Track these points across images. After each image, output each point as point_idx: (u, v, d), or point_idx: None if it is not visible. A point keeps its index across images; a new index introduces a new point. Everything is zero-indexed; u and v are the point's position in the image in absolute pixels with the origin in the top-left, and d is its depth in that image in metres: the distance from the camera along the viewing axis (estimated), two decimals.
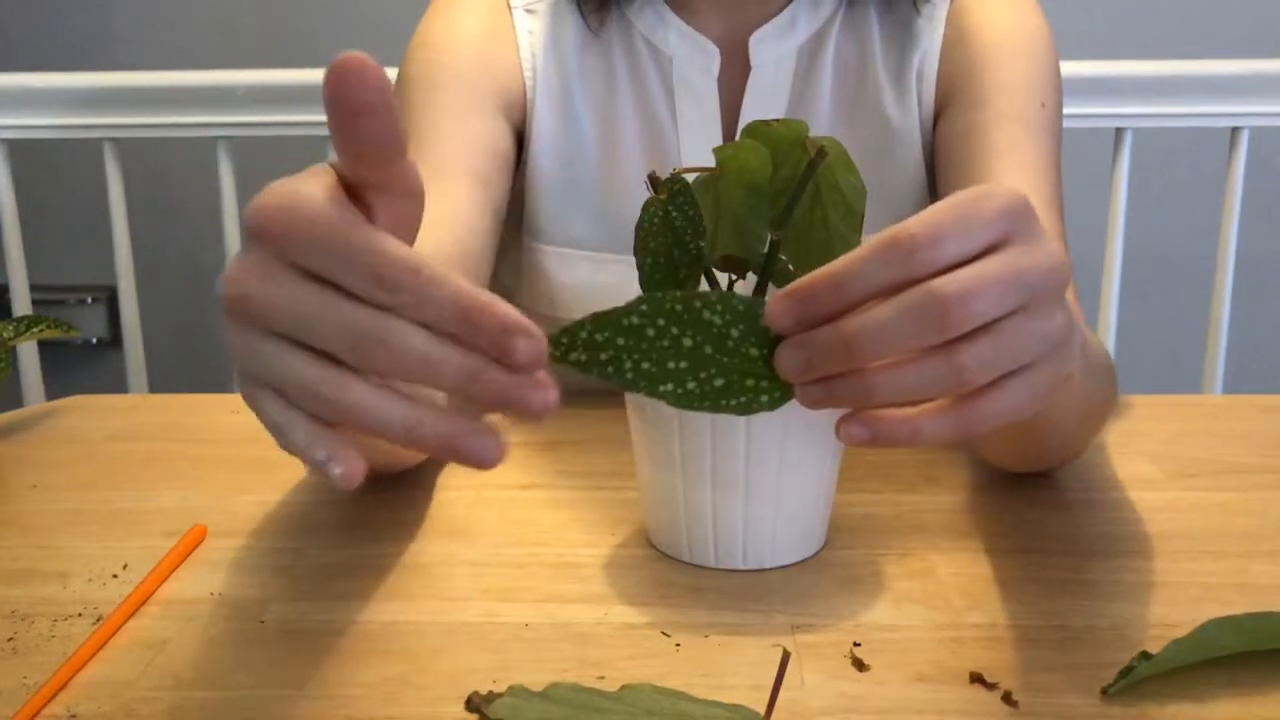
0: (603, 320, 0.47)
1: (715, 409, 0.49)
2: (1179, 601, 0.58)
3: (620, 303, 0.47)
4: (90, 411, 0.86)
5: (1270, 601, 0.58)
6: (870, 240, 0.45)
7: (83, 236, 1.74)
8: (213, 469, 0.75)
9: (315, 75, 1.32)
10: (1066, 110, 0.89)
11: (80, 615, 0.57)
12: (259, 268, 0.41)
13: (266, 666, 0.53)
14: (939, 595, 0.59)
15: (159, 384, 1.53)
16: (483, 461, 0.41)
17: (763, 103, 0.87)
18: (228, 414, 0.85)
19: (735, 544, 0.61)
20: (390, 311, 0.40)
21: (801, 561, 0.62)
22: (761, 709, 0.47)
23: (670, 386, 0.48)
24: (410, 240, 0.45)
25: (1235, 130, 1.32)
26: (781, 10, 0.87)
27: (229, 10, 1.79)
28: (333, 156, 1.35)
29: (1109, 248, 1.34)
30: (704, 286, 0.61)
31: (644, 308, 0.47)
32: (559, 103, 0.88)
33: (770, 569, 0.61)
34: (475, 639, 0.55)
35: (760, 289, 0.60)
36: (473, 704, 0.49)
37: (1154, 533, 0.66)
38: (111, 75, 1.34)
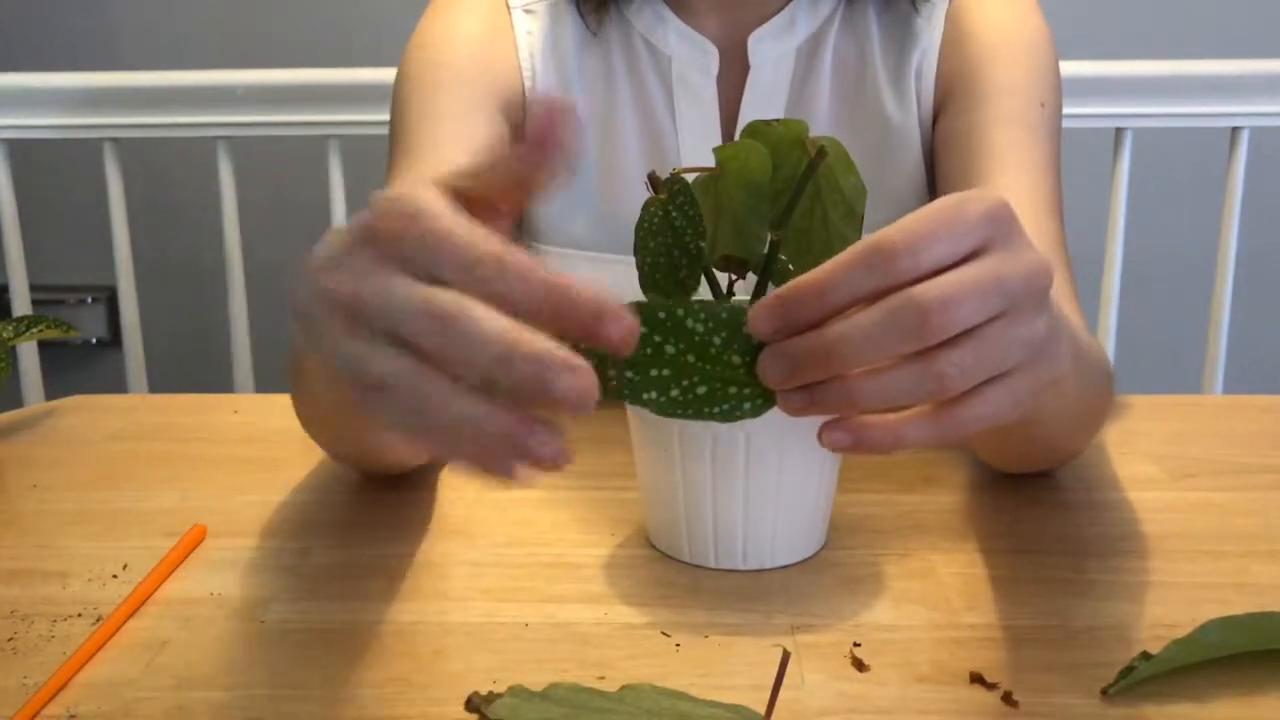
0: None
1: (698, 417, 0.49)
2: (1179, 601, 0.58)
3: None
4: (90, 411, 0.86)
5: (1270, 601, 0.58)
6: (851, 247, 0.45)
7: (83, 236, 1.74)
8: (213, 469, 0.75)
9: (315, 75, 1.32)
10: (1066, 110, 0.89)
11: (80, 615, 0.57)
12: (364, 267, 0.42)
13: (266, 666, 0.53)
14: (939, 595, 0.59)
15: (159, 384, 1.53)
16: (542, 461, 0.43)
17: (762, 102, 0.87)
18: (228, 414, 0.85)
19: (735, 544, 0.60)
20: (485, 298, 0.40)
21: (801, 561, 0.62)
22: (761, 709, 0.47)
23: (653, 394, 0.48)
24: None
25: (1235, 130, 1.32)
26: (780, 10, 0.87)
27: (229, 10, 1.79)
28: (333, 157, 1.34)
29: (1109, 248, 1.34)
30: (704, 286, 0.61)
31: None
32: None
33: (770, 569, 0.61)
34: (475, 639, 0.55)
35: (760, 289, 0.60)
36: (473, 704, 0.48)
37: (1154, 533, 0.66)
38: (111, 75, 1.34)
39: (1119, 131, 1.32)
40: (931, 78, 0.87)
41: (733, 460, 0.58)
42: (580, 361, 0.40)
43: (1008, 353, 0.46)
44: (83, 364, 1.93)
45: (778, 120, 0.60)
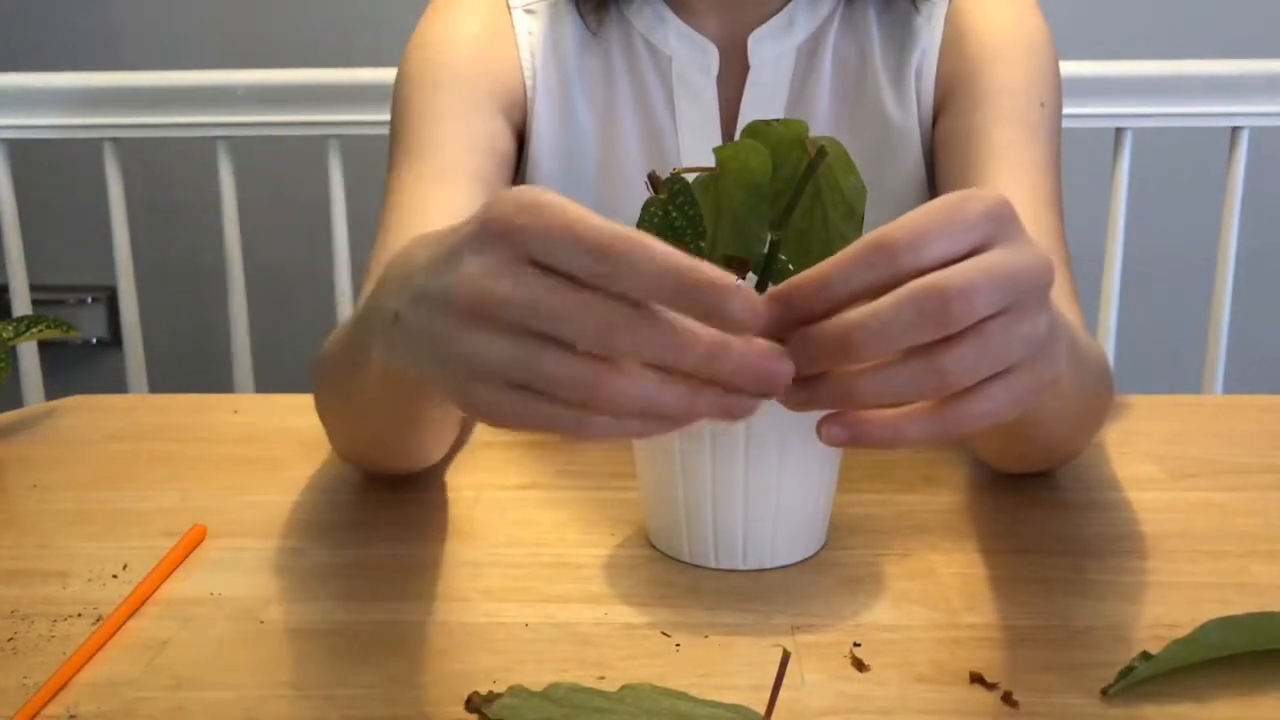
0: None
1: None
2: (1179, 601, 0.58)
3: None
4: (90, 411, 0.86)
5: (1270, 601, 0.58)
6: (854, 243, 0.45)
7: (83, 236, 1.74)
8: (213, 469, 0.75)
9: (315, 75, 1.32)
10: (1066, 110, 0.89)
11: (80, 615, 0.57)
12: (500, 264, 0.42)
13: (266, 666, 0.53)
14: (939, 595, 0.59)
15: (159, 384, 1.53)
16: (747, 413, 0.43)
17: (761, 102, 0.87)
18: (228, 414, 0.85)
19: (735, 544, 0.60)
20: (624, 292, 0.41)
21: (801, 561, 0.62)
22: (761, 709, 0.47)
23: None
24: None
25: (1235, 130, 1.32)
26: (780, 10, 0.87)
27: (229, 10, 1.79)
28: (333, 157, 1.34)
29: (1109, 248, 1.34)
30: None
31: None
32: (558, 103, 0.88)
33: (770, 569, 0.61)
34: (475, 639, 0.55)
35: (760, 289, 0.60)
36: (473, 704, 0.48)
37: (1154, 533, 0.66)
38: (111, 75, 1.34)
39: (1119, 131, 1.32)
40: (931, 77, 0.87)
41: (733, 460, 0.58)
42: (779, 349, 0.43)
43: (1010, 350, 0.46)
44: (83, 364, 1.93)
45: (778, 120, 0.60)
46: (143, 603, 0.58)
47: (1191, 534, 0.65)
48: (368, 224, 0.85)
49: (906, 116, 0.87)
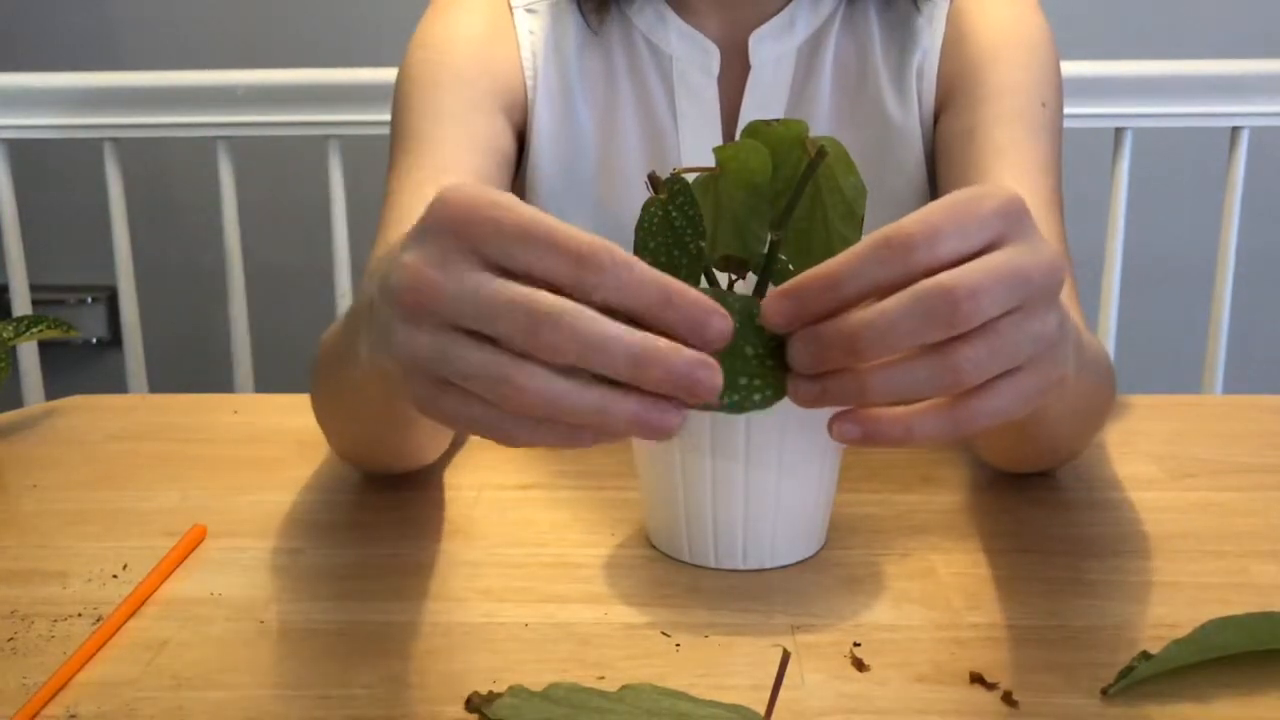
0: None
1: (708, 407, 0.49)
2: (1179, 601, 0.58)
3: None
4: (90, 411, 0.86)
5: (1270, 601, 0.58)
6: (866, 239, 0.45)
7: (83, 236, 1.74)
8: (213, 469, 0.75)
9: (315, 75, 1.32)
10: (1066, 110, 0.89)
11: (80, 615, 0.57)
12: (446, 260, 0.42)
13: (266, 666, 0.53)
14: (939, 595, 0.59)
15: (159, 384, 1.53)
16: (668, 431, 0.43)
17: (762, 102, 0.87)
18: (228, 414, 0.85)
19: (735, 544, 0.60)
20: (581, 294, 0.41)
21: (801, 561, 0.62)
22: (761, 709, 0.47)
23: None
24: None
25: (1235, 130, 1.32)
26: (781, 10, 0.87)
27: (229, 10, 1.79)
28: (333, 157, 1.34)
29: (1109, 248, 1.34)
30: (704, 286, 0.61)
31: None
32: (559, 102, 0.88)
33: (770, 569, 0.61)
34: (475, 639, 0.55)
35: (760, 289, 0.60)
36: (473, 704, 0.48)
37: (1154, 533, 0.66)
38: (111, 75, 1.34)
39: (1119, 131, 1.32)
40: (932, 77, 0.87)
41: (733, 460, 0.58)
42: (709, 359, 0.42)
43: (1021, 348, 0.46)
44: (83, 364, 1.93)
45: (778, 120, 0.60)
46: (143, 603, 0.58)
47: (1191, 534, 0.65)
48: (368, 224, 0.85)
49: (907, 116, 0.87)
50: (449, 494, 0.71)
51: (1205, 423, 0.83)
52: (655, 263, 0.60)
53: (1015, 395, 0.46)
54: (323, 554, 0.64)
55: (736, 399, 0.49)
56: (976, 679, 0.51)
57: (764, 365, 0.48)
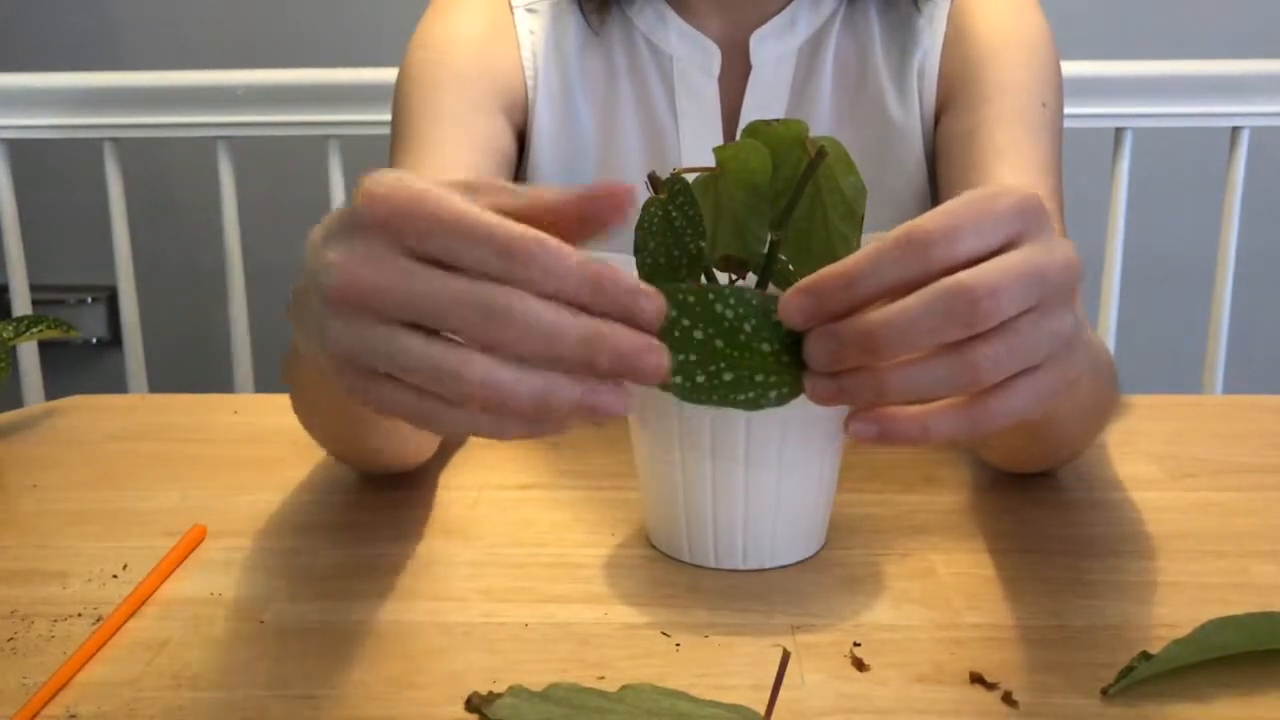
0: None
1: (723, 403, 0.48)
2: (1179, 601, 0.58)
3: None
4: (90, 411, 0.86)
5: (1270, 601, 0.58)
6: (885, 236, 0.45)
7: (83, 236, 1.74)
8: (213, 469, 0.75)
9: (315, 75, 1.32)
10: (1066, 110, 0.89)
11: (80, 615, 0.57)
12: (374, 254, 0.42)
13: (266, 666, 0.53)
14: (939, 595, 0.59)
15: (159, 384, 1.53)
16: (613, 414, 0.42)
17: (763, 102, 0.87)
18: (228, 414, 0.85)
19: (735, 544, 0.60)
20: (511, 285, 0.41)
21: (801, 561, 0.62)
22: (761, 709, 0.47)
23: (679, 379, 0.48)
24: None
25: (1235, 130, 1.32)
26: (782, 9, 0.87)
27: (229, 10, 1.79)
28: (333, 157, 1.34)
29: (1109, 248, 1.34)
30: (721, 284, 0.61)
31: None
32: (560, 102, 0.88)
33: (770, 569, 0.61)
34: (475, 639, 0.55)
35: (760, 289, 0.60)
36: (472, 704, 0.49)
37: (1154, 533, 0.66)
38: (111, 75, 1.34)
39: (1119, 131, 1.32)
40: (933, 78, 0.87)
41: (733, 460, 0.58)
42: (656, 341, 0.42)
43: (1038, 346, 0.46)
44: (83, 364, 1.93)
45: (778, 120, 0.60)
46: (143, 603, 0.58)
47: (1191, 534, 0.65)
48: None
49: (908, 116, 0.87)
50: (449, 494, 0.71)
51: (1205, 423, 0.83)
52: (655, 263, 0.60)
53: (1032, 394, 0.46)
54: (323, 554, 0.64)
55: (752, 396, 0.49)
56: (976, 679, 0.51)
57: (780, 362, 0.48)
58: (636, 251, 0.61)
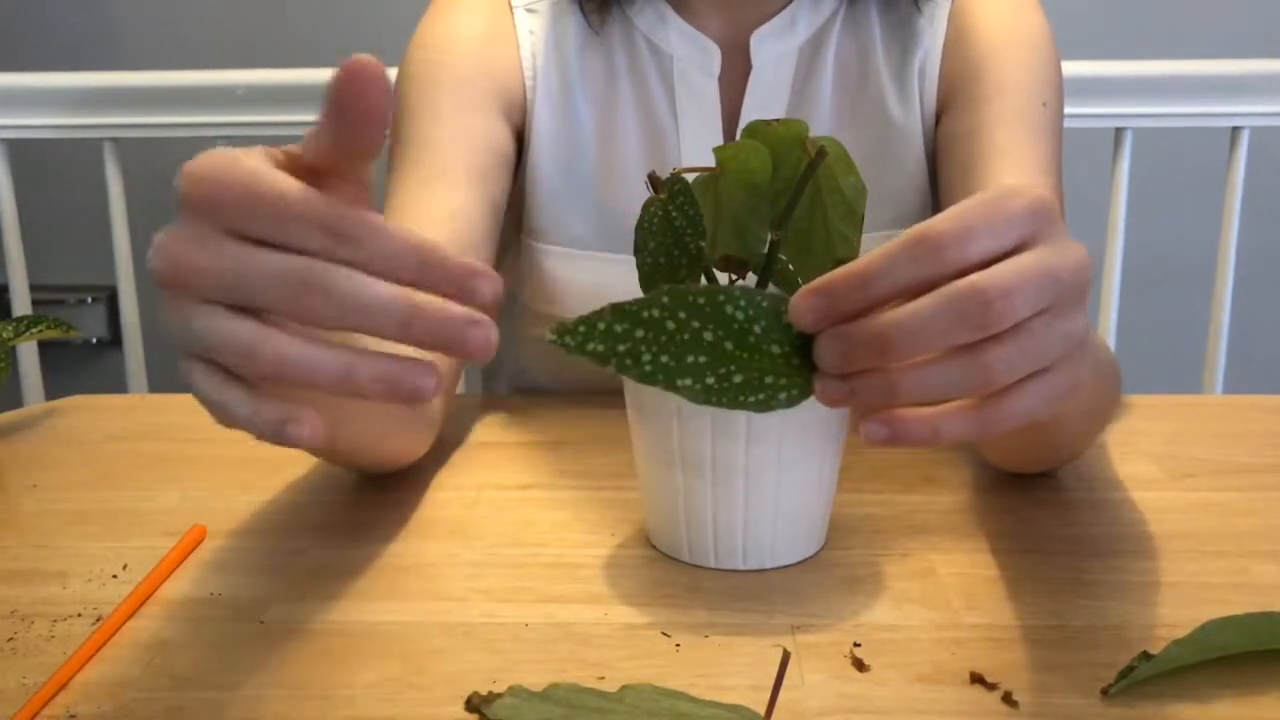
0: (622, 312, 0.47)
1: (733, 405, 0.48)
2: (1179, 601, 0.58)
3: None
4: (90, 411, 0.86)
5: (1270, 601, 0.58)
6: (897, 238, 0.45)
7: (83, 236, 1.74)
8: (213, 469, 0.75)
9: (315, 75, 1.32)
10: (1066, 110, 0.89)
11: (80, 615, 0.57)
12: (195, 235, 0.42)
13: (266, 666, 0.53)
14: (939, 595, 0.59)
15: (159, 384, 1.53)
16: (421, 393, 0.42)
17: (763, 102, 0.87)
18: None
19: (735, 544, 0.60)
20: (338, 265, 0.41)
21: (801, 561, 0.62)
22: (761, 709, 0.47)
23: (689, 381, 0.48)
24: None
25: (1235, 130, 1.32)
26: (782, 9, 0.87)
27: (229, 10, 1.79)
28: None
29: (1109, 248, 1.34)
30: (728, 284, 0.61)
31: (666, 300, 0.47)
32: (559, 102, 0.88)
33: (770, 569, 0.61)
34: (475, 639, 0.55)
35: (760, 289, 0.60)
36: (472, 704, 0.49)
37: (1154, 533, 0.66)
38: (111, 75, 1.34)
39: (1119, 131, 1.32)
40: (934, 77, 0.87)
41: (733, 460, 0.58)
42: (481, 315, 0.41)
43: (1050, 348, 0.46)
44: (83, 364, 1.93)
45: (778, 120, 0.60)
46: (143, 603, 0.58)
47: (1191, 534, 0.65)
48: None
49: (909, 116, 0.87)
50: (449, 494, 0.71)
51: (1205, 423, 0.83)
52: (655, 263, 0.60)
53: (1043, 396, 0.46)
54: (323, 554, 0.64)
55: (762, 398, 0.48)
56: (976, 679, 0.51)
57: (790, 364, 0.48)
58: (636, 251, 0.61)
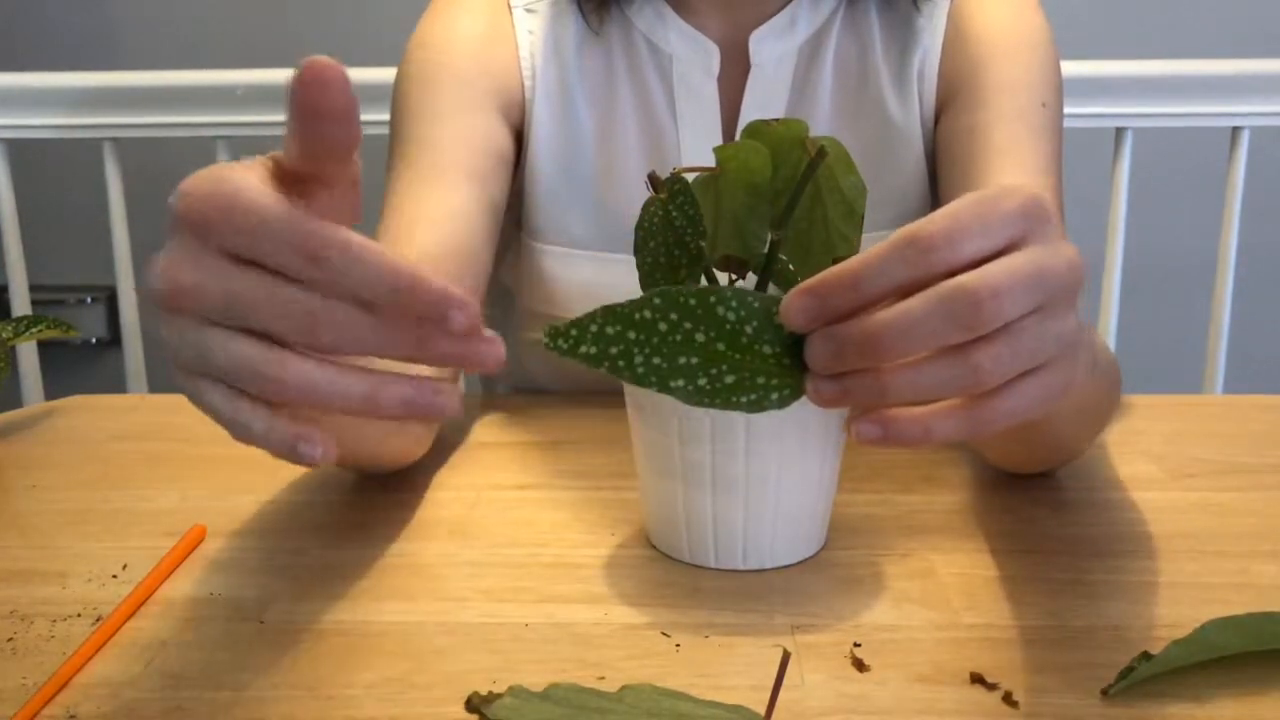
0: (614, 314, 0.47)
1: (725, 406, 0.48)
2: (1179, 602, 0.58)
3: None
4: (90, 411, 0.86)
5: (1270, 601, 0.58)
6: (888, 239, 0.45)
7: (83, 236, 1.74)
8: (213, 469, 0.75)
9: None
10: (1066, 110, 0.89)
11: (80, 615, 0.57)
12: (190, 256, 0.42)
13: (266, 666, 0.53)
14: (939, 595, 0.59)
15: (159, 384, 1.53)
16: (441, 411, 0.43)
17: (763, 102, 0.87)
18: None
19: (735, 544, 0.60)
20: (317, 288, 0.41)
21: (801, 561, 0.62)
22: (761, 709, 0.47)
23: (681, 382, 0.48)
24: (349, 225, 0.46)
25: (1235, 130, 1.32)
26: (781, 9, 0.87)
27: (229, 10, 1.79)
28: None
29: (1109, 248, 1.34)
30: (722, 285, 0.61)
31: (657, 302, 0.47)
32: (558, 102, 0.88)
33: (770, 569, 0.61)
34: (475, 639, 0.55)
35: (760, 289, 0.60)
36: (472, 704, 0.48)
37: (1154, 533, 0.66)
38: (111, 75, 1.34)
39: (1119, 131, 1.32)
40: (933, 77, 0.87)
41: (733, 460, 0.58)
42: (492, 333, 0.42)
43: (1042, 347, 0.46)
44: (83, 364, 1.93)
45: (778, 120, 0.60)
46: (142, 603, 0.58)
47: (1191, 534, 0.65)
48: (368, 224, 0.85)
49: (908, 116, 0.87)
50: (449, 494, 0.71)
51: (1205, 423, 0.83)
52: (655, 263, 0.60)
53: (1035, 396, 0.46)
54: (323, 554, 0.64)
55: (755, 398, 0.48)
56: (976, 679, 0.51)
57: (781, 365, 0.48)
58: (636, 251, 0.61)
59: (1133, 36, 1.73)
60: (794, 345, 0.48)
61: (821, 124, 0.87)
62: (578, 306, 0.89)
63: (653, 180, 0.60)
